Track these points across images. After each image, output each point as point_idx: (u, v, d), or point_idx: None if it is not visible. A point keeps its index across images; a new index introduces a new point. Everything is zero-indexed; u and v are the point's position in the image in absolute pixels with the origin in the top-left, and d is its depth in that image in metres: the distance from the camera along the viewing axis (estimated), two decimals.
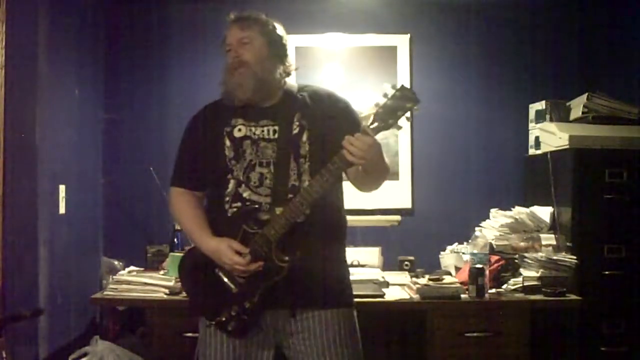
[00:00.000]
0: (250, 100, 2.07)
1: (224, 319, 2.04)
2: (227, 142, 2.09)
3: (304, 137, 2.07)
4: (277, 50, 2.13)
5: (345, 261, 2.23)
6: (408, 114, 1.86)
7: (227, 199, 2.07)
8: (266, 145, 2.07)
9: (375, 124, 1.87)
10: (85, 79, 3.25)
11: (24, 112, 2.63)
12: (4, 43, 2.57)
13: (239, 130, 2.09)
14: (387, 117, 1.86)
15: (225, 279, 2.05)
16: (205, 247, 2.07)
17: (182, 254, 2.92)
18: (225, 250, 1.99)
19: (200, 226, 2.11)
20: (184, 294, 2.64)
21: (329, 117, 2.10)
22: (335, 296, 2.09)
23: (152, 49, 3.55)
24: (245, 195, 2.05)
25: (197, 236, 2.11)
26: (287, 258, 1.98)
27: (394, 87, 1.88)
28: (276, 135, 2.07)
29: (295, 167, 2.05)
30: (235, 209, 2.06)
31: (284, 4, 3.49)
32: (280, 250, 1.98)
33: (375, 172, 2.05)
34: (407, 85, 1.93)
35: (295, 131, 2.07)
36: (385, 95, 1.87)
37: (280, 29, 2.15)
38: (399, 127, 1.89)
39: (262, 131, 2.08)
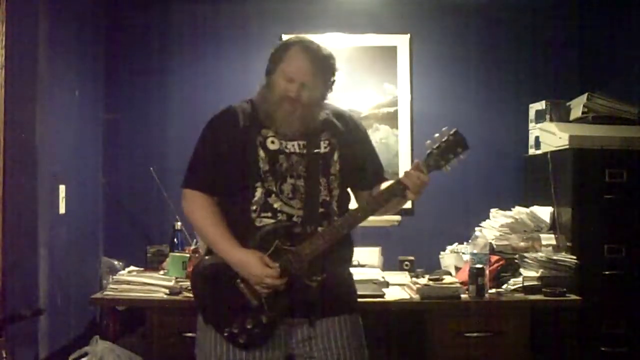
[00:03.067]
0: (291, 132, 2.08)
1: (236, 331, 2.01)
2: (262, 153, 2.05)
3: (335, 156, 2.10)
4: (330, 88, 2.14)
5: (350, 270, 2.25)
6: (457, 159, 2.00)
7: (255, 207, 2.04)
8: (297, 159, 2.07)
9: (431, 163, 1.99)
10: (85, 79, 3.25)
11: (24, 112, 2.63)
12: (4, 43, 2.56)
13: (272, 142, 2.07)
14: (440, 158, 1.98)
15: (247, 292, 2.02)
16: (232, 258, 2.02)
17: (181, 254, 2.96)
18: (256, 263, 1.97)
19: (226, 234, 2.05)
20: (185, 294, 2.65)
21: (354, 139, 2.17)
22: (347, 303, 2.13)
23: (152, 49, 3.55)
24: (276, 206, 2.03)
25: (223, 246, 2.05)
26: (319, 278, 1.99)
27: (447, 130, 2.00)
28: (305, 151, 2.08)
29: (325, 183, 2.08)
30: (265, 220, 2.03)
31: (284, 4, 3.50)
32: (310, 268, 1.99)
33: (403, 203, 2.10)
34: (458, 130, 2.02)
35: (326, 149, 2.10)
36: (439, 137, 2.00)
37: (336, 63, 2.14)
38: (447, 169, 2.01)
39: (293, 145, 2.08)
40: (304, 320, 2.06)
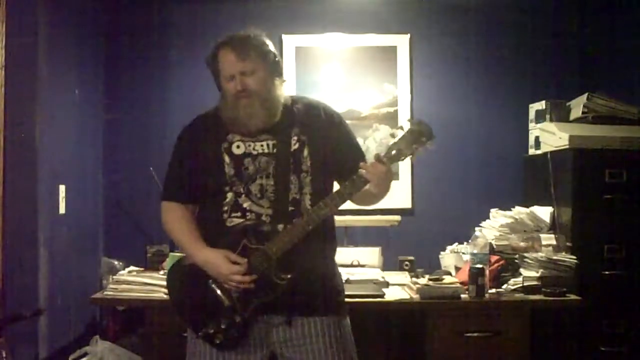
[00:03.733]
0: (259, 126, 2.06)
1: (211, 331, 2.02)
2: (227, 159, 2.07)
3: (305, 152, 2.08)
4: (276, 69, 2.10)
5: (338, 269, 2.22)
6: (423, 148, 1.95)
7: (226, 208, 2.05)
8: (266, 160, 2.06)
9: (392, 153, 1.95)
10: (85, 79, 3.25)
11: (24, 112, 2.63)
12: (4, 43, 2.57)
13: (238, 146, 2.07)
14: (403, 148, 1.94)
15: (219, 292, 2.03)
16: (200, 258, 2.04)
17: (181, 254, 2.95)
18: (222, 261, 1.98)
19: (194, 237, 2.08)
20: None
21: (326, 131, 2.13)
22: (330, 304, 2.09)
23: (152, 49, 3.55)
24: (245, 205, 2.04)
25: (191, 247, 2.08)
26: (287, 276, 1.98)
27: (412, 120, 1.97)
28: (275, 150, 2.07)
29: (296, 181, 2.06)
30: (234, 219, 2.04)
31: (284, 4, 3.50)
32: (279, 267, 1.98)
33: (380, 194, 2.06)
34: (422, 120, 1.99)
35: (295, 146, 2.08)
36: (401, 127, 1.96)
37: (271, 44, 2.11)
38: (413, 159, 1.98)
39: (262, 146, 2.07)
40: (282, 319, 2.04)
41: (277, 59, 2.11)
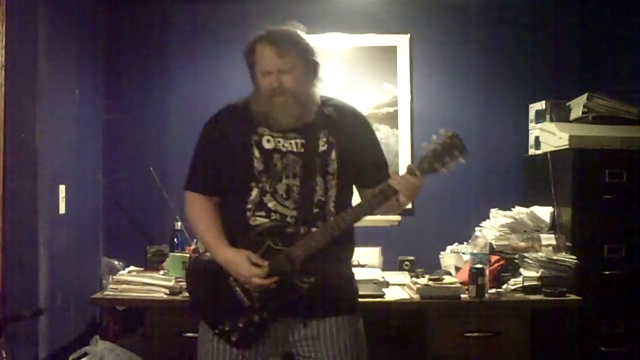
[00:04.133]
0: (292, 125, 2.04)
1: (227, 328, 2.02)
2: (256, 153, 2.04)
3: (333, 155, 2.07)
4: (314, 69, 2.08)
5: (352, 273, 2.22)
6: (454, 163, 1.93)
7: (250, 206, 2.04)
8: (294, 158, 2.05)
9: (425, 166, 1.93)
10: (85, 79, 3.25)
11: (24, 112, 2.63)
12: (4, 43, 2.57)
13: (268, 141, 2.05)
14: (435, 161, 1.93)
15: (239, 291, 2.03)
16: (222, 257, 2.03)
17: (181, 254, 2.96)
18: (243, 262, 1.98)
19: (217, 234, 2.07)
20: (185, 294, 2.65)
21: (355, 135, 2.13)
22: (345, 304, 2.10)
23: (152, 49, 3.55)
24: (270, 205, 2.02)
25: (214, 244, 2.07)
26: (311, 279, 1.97)
27: (445, 132, 1.94)
28: (302, 149, 2.05)
29: (321, 183, 2.05)
30: (259, 219, 2.03)
31: (284, 4, 3.49)
32: (301, 270, 1.97)
33: (405, 205, 2.06)
34: (456, 132, 1.95)
35: (324, 147, 2.07)
36: (435, 140, 1.93)
37: (311, 43, 2.10)
38: (443, 172, 1.95)
39: (290, 144, 2.06)
40: (300, 320, 2.05)
41: (314, 57, 2.09)
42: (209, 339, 2.08)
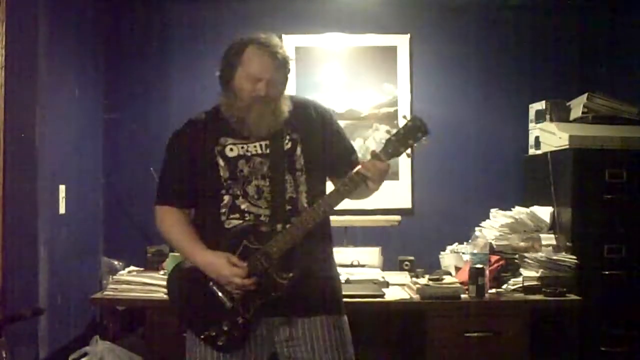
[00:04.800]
0: (262, 133, 2.06)
1: (213, 333, 2.03)
2: (221, 162, 2.06)
3: (298, 151, 2.09)
4: (287, 77, 2.12)
5: (336, 267, 2.22)
6: (418, 143, 1.98)
7: (224, 210, 2.05)
8: (261, 160, 2.06)
9: (389, 150, 1.97)
10: (85, 79, 3.25)
11: (24, 112, 2.63)
12: (4, 43, 2.57)
13: (231, 149, 2.07)
14: (399, 144, 1.97)
15: (220, 294, 2.03)
16: (200, 260, 2.04)
17: (176, 257, 2.95)
18: (223, 263, 1.98)
19: (193, 240, 2.08)
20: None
21: (318, 129, 2.14)
22: (329, 303, 2.10)
23: (152, 49, 3.55)
24: (243, 207, 2.04)
25: (190, 250, 2.07)
26: (290, 275, 1.98)
27: (405, 117, 2.00)
28: (268, 150, 2.07)
29: (291, 180, 2.07)
30: (233, 221, 2.04)
31: (284, 4, 3.49)
32: (280, 266, 1.98)
33: (375, 190, 2.07)
34: (417, 115, 2.01)
35: (288, 145, 2.08)
36: (398, 124, 1.99)
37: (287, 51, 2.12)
38: (408, 155, 2.01)
39: (255, 147, 2.07)
40: (283, 320, 2.05)
41: (289, 68, 2.12)
42: (197, 348, 2.08)
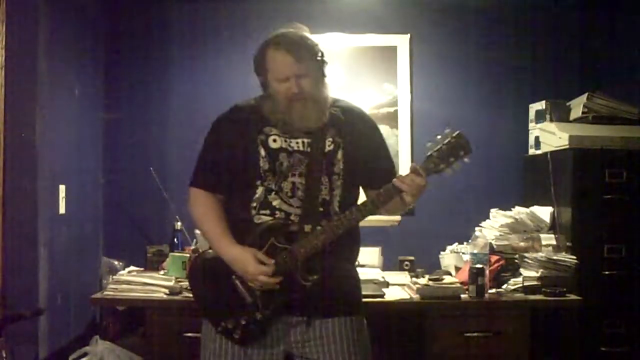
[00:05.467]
0: (310, 127, 2.05)
1: (230, 326, 2.03)
2: (262, 152, 2.05)
3: (339, 155, 2.08)
4: (325, 70, 2.11)
5: (357, 274, 2.22)
6: (459, 162, 1.94)
7: (254, 204, 2.04)
8: (300, 158, 2.06)
9: (430, 166, 1.94)
10: (85, 79, 3.25)
11: (24, 112, 2.63)
12: (4, 43, 2.57)
13: (274, 140, 2.06)
14: (439, 162, 1.94)
15: (242, 288, 2.03)
16: (228, 254, 2.04)
17: (181, 254, 2.96)
18: (250, 260, 1.98)
19: (223, 232, 2.07)
20: (185, 294, 2.65)
21: (362, 137, 2.14)
22: (349, 305, 2.10)
23: (152, 49, 3.55)
24: (275, 203, 2.03)
25: (219, 241, 2.07)
26: (313, 277, 1.98)
27: (450, 132, 1.95)
28: (309, 149, 2.06)
29: (327, 182, 2.06)
30: (263, 217, 2.03)
31: (284, 4, 3.49)
32: (304, 268, 1.98)
33: (410, 205, 2.04)
34: (461, 132, 1.97)
35: (330, 147, 2.08)
36: (440, 140, 1.94)
37: (320, 45, 2.11)
38: (449, 172, 1.96)
39: (297, 143, 2.07)
40: (301, 319, 2.05)
41: (324, 58, 2.10)
42: (212, 338, 2.08)
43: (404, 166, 3.46)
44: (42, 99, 2.70)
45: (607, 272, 2.96)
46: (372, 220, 3.29)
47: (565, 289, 2.80)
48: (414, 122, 3.53)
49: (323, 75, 2.10)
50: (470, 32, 3.60)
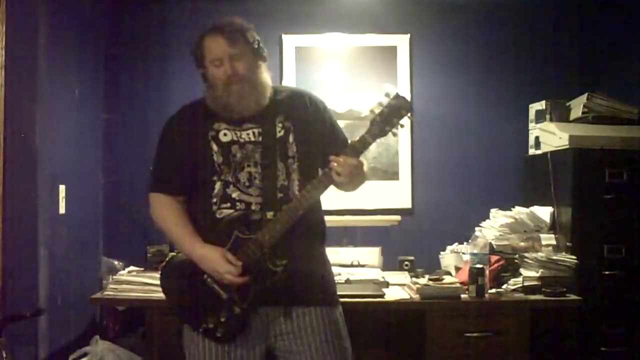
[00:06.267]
0: (250, 111, 2.08)
1: (211, 325, 2.03)
2: (215, 147, 2.08)
3: (291, 139, 2.10)
4: (261, 54, 2.14)
5: (328, 258, 2.23)
6: (403, 121, 1.97)
7: (215, 200, 2.06)
8: (253, 147, 2.08)
9: (373, 131, 1.97)
10: (85, 79, 3.25)
11: (24, 112, 2.63)
12: (4, 43, 2.57)
13: (225, 134, 2.09)
14: (383, 124, 1.97)
15: (215, 286, 2.04)
16: (194, 254, 2.05)
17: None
18: (218, 259, 1.99)
19: (187, 232, 2.08)
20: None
21: (311, 118, 2.16)
22: (325, 294, 2.11)
23: (152, 49, 3.55)
24: (234, 195, 2.05)
25: (185, 242, 2.08)
26: (283, 262, 1.99)
27: (388, 94, 1.99)
28: (260, 138, 2.08)
29: (283, 168, 2.08)
30: (224, 211, 2.05)
31: (284, 4, 3.50)
32: (273, 254, 1.99)
33: (356, 183, 2.09)
34: (403, 92, 2.01)
35: (281, 133, 2.10)
36: (380, 103, 1.98)
37: (253, 29, 2.15)
38: (395, 134, 2.00)
39: (248, 134, 2.09)
40: (279, 310, 2.05)
41: (259, 43, 2.13)
42: (194, 341, 2.08)
43: (404, 166, 3.46)
44: (42, 99, 2.70)
45: (607, 272, 2.96)
46: (372, 220, 3.33)
47: (565, 289, 2.80)
48: (414, 122, 3.52)
49: (260, 60, 2.12)
50: (470, 32, 3.60)
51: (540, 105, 3.39)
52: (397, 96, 1.98)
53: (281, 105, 2.13)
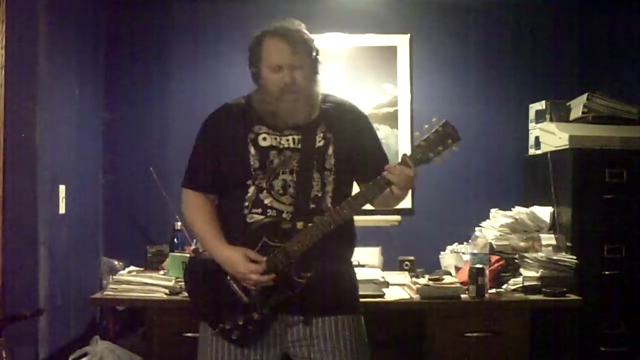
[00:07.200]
0: (301, 122, 2.05)
1: (228, 327, 2.02)
2: (252, 150, 2.05)
3: (330, 150, 2.07)
4: (318, 67, 2.11)
5: (353, 268, 2.22)
6: (448, 150, 1.93)
7: (247, 204, 2.04)
8: (291, 154, 2.05)
9: (418, 156, 1.93)
10: (85, 79, 3.25)
11: (24, 112, 2.63)
12: (4, 43, 2.57)
13: (264, 139, 2.05)
14: (428, 151, 1.93)
15: (237, 289, 2.03)
16: (219, 255, 2.04)
17: (181, 254, 2.96)
18: (241, 259, 1.97)
19: (215, 233, 2.07)
20: (185, 294, 2.65)
21: (352, 131, 2.12)
22: (346, 303, 2.10)
23: (152, 49, 3.55)
24: (266, 202, 2.03)
25: (211, 243, 2.07)
26: (307, 274, 1.97)
27: (437, 121, 1.94)
28: (299, 145, 2.05)
29: (318, 178, 2.05)
30: (255, 216, 2.03)
31: (284, 4, 3.49)
32: (298, 265, 1.97)
33: (402, 197, 2.03)
34: (450, 122, 1.95)
35: (320, 143, 2.07)
36: (428, 129, 1.94)
37: (315, 42, 2.11)
38: (437, 162, 1.95)
39: (287, 140, 2.06)
40: (299, 318, 2.04)
41: (318, 55, 2.11)
42: (209, 340, 2.08)
43: None
44: (42, 99, 2.70)
45: (607, 272, 2.96)
46: (372, 220, 3.33)
47: (565, 289, 2.80)
48: (414, 122, 3.53)
49: (316, 72, 2.10)
50: (470, 32, 3.60)
51: (540, 105, 3.39)
52: (445, 124, 1.93)
53: (325, 115, 2.09)
